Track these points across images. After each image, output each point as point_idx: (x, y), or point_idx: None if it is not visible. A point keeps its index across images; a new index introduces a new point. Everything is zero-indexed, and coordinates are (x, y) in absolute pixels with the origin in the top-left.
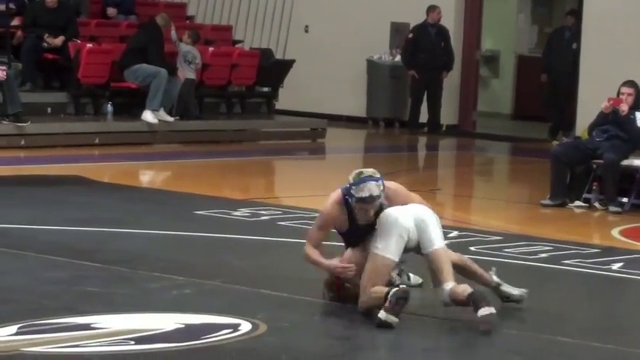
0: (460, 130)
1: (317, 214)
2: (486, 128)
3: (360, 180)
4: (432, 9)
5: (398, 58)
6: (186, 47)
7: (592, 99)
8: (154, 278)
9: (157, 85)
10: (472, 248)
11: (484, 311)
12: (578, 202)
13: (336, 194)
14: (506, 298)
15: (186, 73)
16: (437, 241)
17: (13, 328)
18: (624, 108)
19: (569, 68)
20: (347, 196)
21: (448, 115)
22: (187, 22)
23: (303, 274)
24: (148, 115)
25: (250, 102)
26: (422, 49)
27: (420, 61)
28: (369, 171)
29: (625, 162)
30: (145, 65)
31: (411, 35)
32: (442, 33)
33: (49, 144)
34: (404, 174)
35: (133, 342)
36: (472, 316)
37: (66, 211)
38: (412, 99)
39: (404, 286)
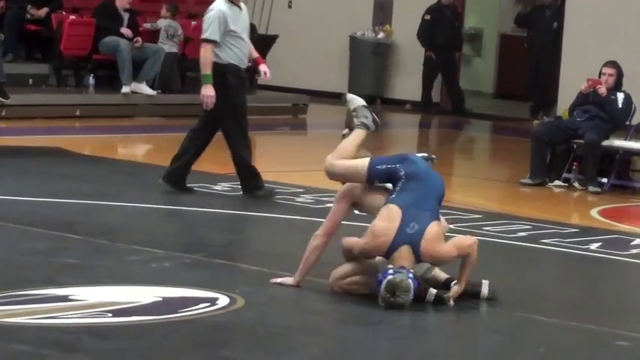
0: (442, 108)
1: (298, 189)
2: (468, 107)
3: None
4: None
5: (381, 34)
6: (165, 21)
7: (574, 79)
8: (133, 251)
9: (121, 60)
10: (452, 226)
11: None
12: (557, 182)
13: None
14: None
15: (168, 47)
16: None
17: None
18: (602, 90)
19: (550, 47)
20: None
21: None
22: None
23: (281, 249)
24: (124, 89)
25: None
26: (438, 30)
27: (438, 41)
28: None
29: (605, 142)
30: (108, 38)
31: (428, 16)
32: (455, 13)
33: (30, 115)
34: (383, 151)
35: (110, 314)
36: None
37: (46, 183)
38: (425, 80)
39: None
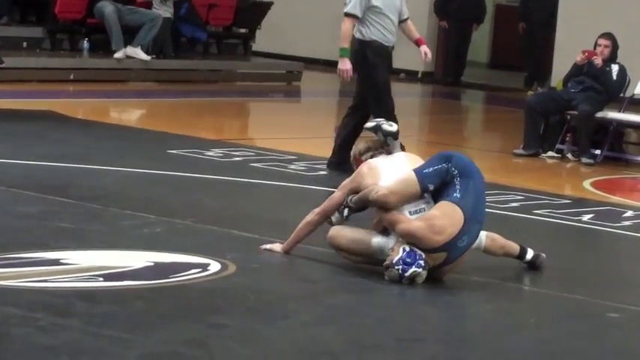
0: (436, 78)
1: (291, 156)
2: (462, 76)
3: None
4: None
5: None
6: None
7: (569, 50)
8: (125, 216)
9: (108, 25)
10: None
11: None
12: (551, 153)
13: None
14: None
15: (162, 11)
16: None
17: None
18: (598, 61)
19: (546, 18)
20: None
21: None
22: None
23: (273, 216)
24: (116, 55)
25: (227, 43)
26: (455, 0)
27: (452, 11)
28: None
29: (599, 114)
30: (100, 3)
31: None
32: None
33: (24, 78)
34: None
35: (101, 278)
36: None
37: (38, 147)
38: (446, 50)
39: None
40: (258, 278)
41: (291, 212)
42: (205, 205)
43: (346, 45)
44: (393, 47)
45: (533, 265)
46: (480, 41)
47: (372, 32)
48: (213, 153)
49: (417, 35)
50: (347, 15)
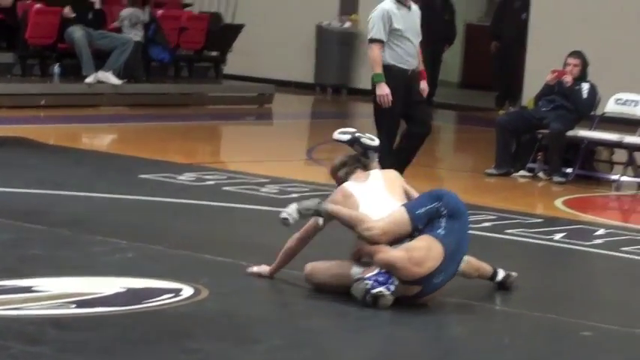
0: None
1: (263, 179)
2: (434, 96)
3: None
4: None
5: (347, 24)
6: (127, 11)
7: (539, 69)
8: (98, 242)
9: (78, 50)
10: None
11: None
12: (522, 172)
13: None
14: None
15: (133, 35)
16: None
17: None
18: (568, 79)
19: (517, 37)
20: None
21: None
22: None
23: (246, 240)
24: (87, 79)
25: (198, 66)
26: (427, 21)
27: (422, 32)
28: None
29: (570, 133)
30: (70, 28)
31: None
32: (447, 5)
33: None
34: None
35: (74, 305)
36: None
37: (10, 173)
38: None
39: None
40: (231, 302)
41: (265, 236)
42: (177, 230)
43: (379, 70)
44: (414, 70)
45: (504, 285)
46: (452, 61)
47: (390, 55)
48: (185, 177)
49: (421, 66)
50: (372, 41)
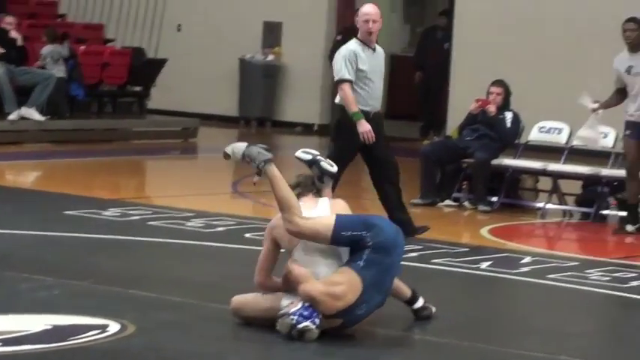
0: (330, 129)
1: (188, 214)
2: None
3: None
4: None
5: (270, 57)
6: (48, 48)
7: (463, 99)
8: (23, 279)
9: None
10: None
11: None
12: (448, 201)
13: None
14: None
15: (56, 71)
16: None
17: None
18: (492, 109)
19: (440, 68)
20: None
21: (320, 114)
22: (59, 20)
23: (172, 274)
24: (10, 116)
25: (122, 101)
26: None
27: None
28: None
29: (495, 161)
30: None
31: (339, 37)
32: None
33: None
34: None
35: (0, 344)
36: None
37: None
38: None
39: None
40: (157, 338)
41: (191, 270)
42: (103, 266)
43: (355, 109)
44: (377, 113)
45: (421, 315)
46: None
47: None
48: (110, 213)
49: None
50: (341, 81)
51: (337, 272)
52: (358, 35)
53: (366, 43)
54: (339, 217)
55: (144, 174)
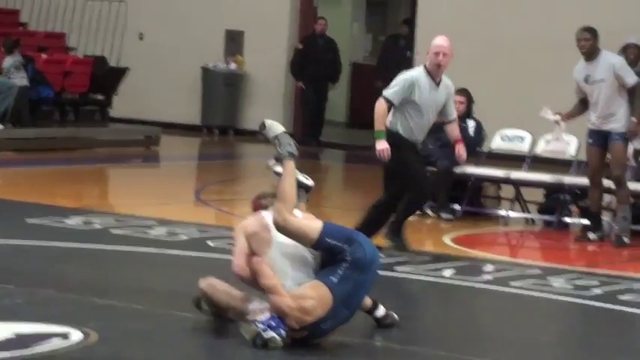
0: (295, 138)
1: (151, 222)
2: (321, 136)
3: None
4: (318, 20)
5: (233, 65)
6: (9, 60)
7: None
8: None
9: None
10: None
11: None
12: None
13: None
14: None
15: (19, 80)
16: None
17: None
18: None
19: None
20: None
21: (283, 123)
22: (20, 28)
23: (135, 283)
24: None
25: (84, 109)
26: (310, 61)
27: (308, 72)
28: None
29: (457, 169)
30: None
31: (300, 46)
32: (330, 45)
33: None
34: (236, 182)
35: None
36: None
37: None
38: (305, 111)
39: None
40: (120, 346)
41: (154, 278)
42: (67, 274)
43: (380, 127)
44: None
45: (383, 323)
46: (338, 101)
47: (402, 126)
48: (73, 221)
49: (457, 136)
50: (384, 97)
51: (308, 286)
52: (427, 64)
53: (431, 75)
54: (327, 224)
55: (107, 182)
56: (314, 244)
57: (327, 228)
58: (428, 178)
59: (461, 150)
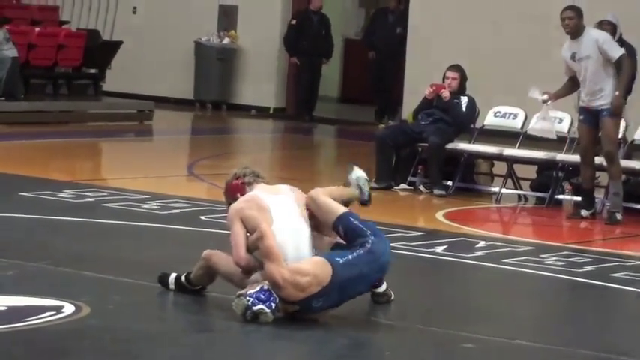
0: (287, 113)
1: (143, 196)
2: (314, 111)
3: None
4: None
5: (226, 40)
6: (0, 33)
7: (418, 82)
8: None
9: None
10: None
11: None
12: (403, 186)
13: None
14: None
15: (10, 52)
16: None
17: None
18: (446, 94)
19: (393, 52)
20: None
21: (276, 98)
22: (14, 1)
23: (128, 256)
24: None
25: (77, 83)
26: (304, 36)
27: (302, 48)
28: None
29: (450, 145)
30: None
31: (293, 21)
32: (324, 20)
33: None
34: (228, 157)
35: None
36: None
37: None
38: (299, 86)
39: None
40: (112, 319)
41: (146, 252)
42: (59, 247)
43: None
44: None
45: (379, 300)
46: (331, 76)
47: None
48: (65, 194)
49: None
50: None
51: (310, 261)
52: None
53: None
54: (349, 212)
55: (99, 156)
56: (338, 219)
57: (355, 215)
58: None
59: None
